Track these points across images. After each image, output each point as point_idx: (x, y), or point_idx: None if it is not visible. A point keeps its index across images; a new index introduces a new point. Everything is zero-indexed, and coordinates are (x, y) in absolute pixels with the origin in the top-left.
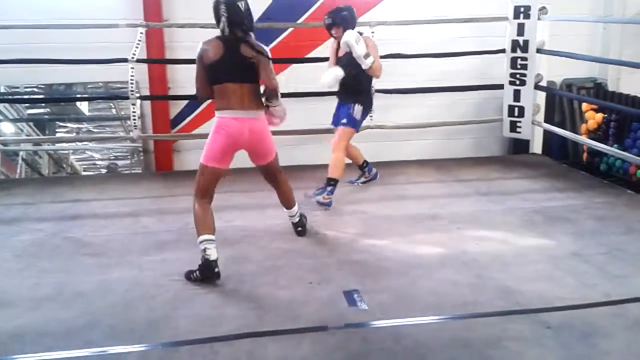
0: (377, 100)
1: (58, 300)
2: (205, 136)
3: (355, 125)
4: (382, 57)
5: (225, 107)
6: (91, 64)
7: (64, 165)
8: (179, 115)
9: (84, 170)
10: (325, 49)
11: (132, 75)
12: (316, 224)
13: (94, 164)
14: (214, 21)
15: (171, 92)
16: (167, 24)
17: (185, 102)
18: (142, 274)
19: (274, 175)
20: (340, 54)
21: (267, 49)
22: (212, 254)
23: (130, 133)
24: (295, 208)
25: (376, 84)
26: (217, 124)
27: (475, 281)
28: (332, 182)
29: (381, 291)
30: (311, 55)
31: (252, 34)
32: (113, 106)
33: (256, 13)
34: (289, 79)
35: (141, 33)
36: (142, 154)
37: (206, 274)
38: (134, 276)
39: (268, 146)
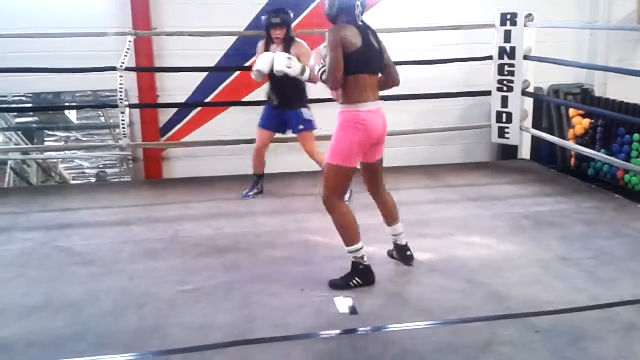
0: None
1: (47, 310)
2: (194, 144)
3: (312, 126)
4: None
5: (361, 100)
6: (80, 72)
7: (53, 174)
8: (168, 123)
9: (73, 179)
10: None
11: (120, 84)
12: (306, 230)
13: (83, 173)
14: (201, 29)
15: (160, 100)
16: (155, 32)
17: (174, 110)
18: (132, 282)
19: (379, 173)
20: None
21: None
22: (366, 258)
23: (119, 141)
24: (401, 225)
25: None
26: (353, 118)
27: (464, 286)
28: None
29: (371, 297)
30: None
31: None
32: (102, 114)
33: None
34: None
35: (130, 41)
36: (131, 162)
37: (369, 279)
38: (124, 285)
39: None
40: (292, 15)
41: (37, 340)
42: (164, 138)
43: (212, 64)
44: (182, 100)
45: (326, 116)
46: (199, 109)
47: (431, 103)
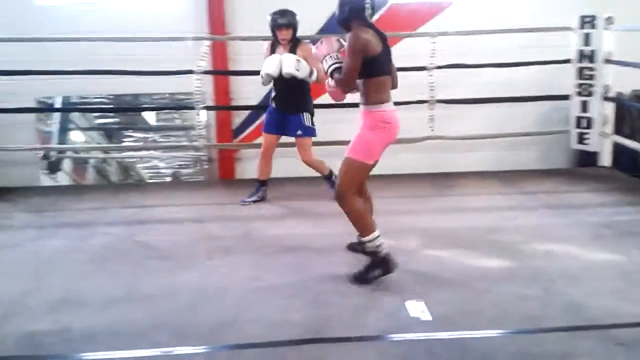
0: (438, 110)
1: (128, 302)
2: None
3: (312, 133)
4: (444, 67)
5: (385, 101)
6: (159, 75)
7: (131, 173)
8: (241, 126)
9: (150, 178)
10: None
11: (197, 86)
12: None
13: (159, 172)
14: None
15: (234, 103)
16: (230, 37)
17: (247, 112)
18: (207, 278)
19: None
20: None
21: None
22: (385, 247)
23: (195, 142)
24: (364, 239)
25: (438, 94)
26: (381, 118)
27: (542, 295)
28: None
29: (445, 303)
30: None
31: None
32: (178, 116)
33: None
34: None
35: (207, 46)
36: (205, 162)
37: (390, 268)
38: (200, 280)
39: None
40: (298, 17)
41: (119, 330)
42: (237, 139)
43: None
44: (255, 103)
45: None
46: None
47: (505, 107)
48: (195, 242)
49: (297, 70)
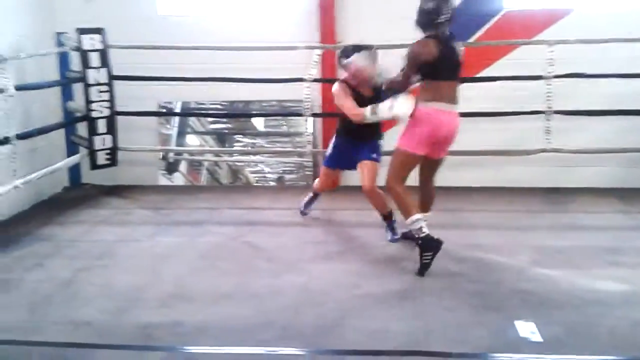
0: (554, 122)
1: (235, 299)
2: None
3: (381, 160)
4: (562, 76)
5: (434, 100)
6: (270, 82)
7: (240, 176)
8: None
9: (256, 182)
10: (501, 67)
11: (307, 94)
12: (482, 247)
13: (264, 177)
14: (382, 43)
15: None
16: (340, 45)
17: None
18: (311, 281)
19: (435, 170)
20: (367, 93)
21: None
22: (427, 229)
23: (302, 148)
24: (407, 221)
25: (555, 104)
26: (423, 113)
27: None
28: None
29: (556, 325)
30: (482, 74)
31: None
32: (284, 123)
33: None
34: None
35: (317, 55)
36: (310, 168)
37: (434, 247)
38: (304, 283)
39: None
40: None
41: (227, 326)
42: None
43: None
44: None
45: None
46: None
47: (627, 120)
48: (300, 245)
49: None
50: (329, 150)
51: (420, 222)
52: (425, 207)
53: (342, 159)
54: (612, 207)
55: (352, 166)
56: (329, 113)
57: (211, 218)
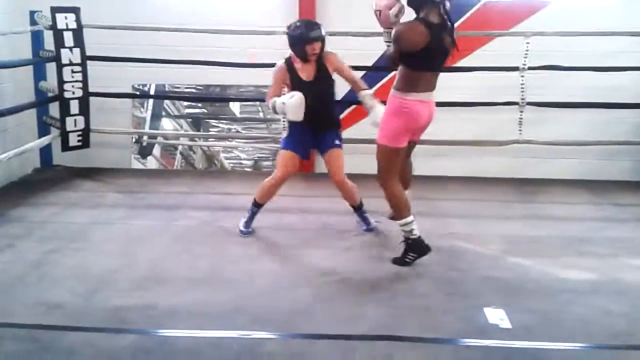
0: (528, 113)
1: (209, 284)
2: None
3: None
4: (537, 68)
5: (413, 91)
6: (246, 67)
7: (215, 162)
8: None
9: (231, 168)
10: (478, 58)
11: None
12: (455, 236)
13: (240, 163)
14: (363, 30)
15: None
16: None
17: None
18: (285, 267)
19: (411, 150)
20: (305, 77)
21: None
22: (418, 232)
23: (277, 135)
24: (401, 222)
25: (529, 96)
26: (399, 104)
27: (630, 311)
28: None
29: (525, 312)
30: (459, 64)
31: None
32: (261, 109)
33: None
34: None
35: None
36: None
37: (423, 251)
38: (277, 268)
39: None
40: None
41: (200, 310)
42: None
43: (370, 64)
44: (338, 99)
45: None
46: (354, 107)
47: (600, 113)
48: (274, 231)
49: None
50: (286, 134)
51: (413, 224)
52: (405, 184)
53: (299, 146)
54: (582, 199)
55: (306, 156)
56: None
57: (185, 202)
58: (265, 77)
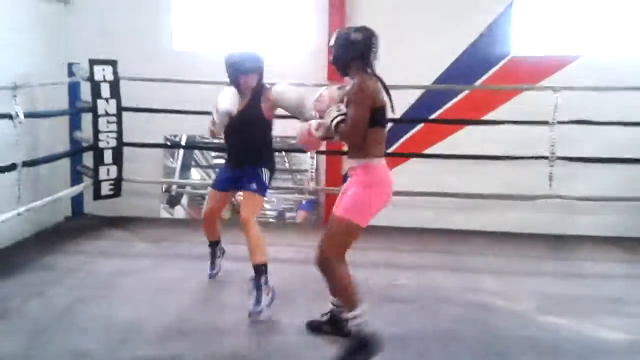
0: (559, 168)
1: (235, 335)
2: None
3: (264, 193)
4: (567, 123)
5: (381, 155)
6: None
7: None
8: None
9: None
10: (504, 111)
11: None
12: (485, 292)
13: (264, 214)
14: (394, 82)
15: (345, 149)
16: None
17: None
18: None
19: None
20: (239, 106)
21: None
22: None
23: (303, 185)
24: (350, 313)
25: (558, 150)
26: (378, 174)
27: None
28: (264, 268)
29: None
30: (487, 117)
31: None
32: (286, 160)
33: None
34: (463, 140)
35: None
36: (316, 205)
37: (377, 349)
38: (302, 322)
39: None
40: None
41: None
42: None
43: (397, 117)
44: None
45: None
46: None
47: (634, 169)
48: (301, 283)
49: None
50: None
51: (364, 316)
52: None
53: (224, 181)
54: (615, 256)
55: (235, 188)
56: (331, 151)
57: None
58: (290, 128)
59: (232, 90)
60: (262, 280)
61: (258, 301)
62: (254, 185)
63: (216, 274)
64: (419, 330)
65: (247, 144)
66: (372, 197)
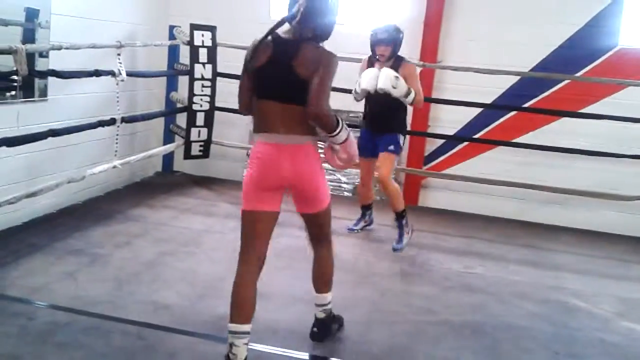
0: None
1: (308, 304)
2: (456, 177)
3: (399, 153)
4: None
5: (259, 130)
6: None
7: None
8: (433, 153)
9: (331, 191)
10: (605, 105)
11: None
12: (566, 291)
13: (340, 186)
14: (485, 66)
15: (430, 130)
16: (440, 65)
17: (442, 141)
18: (383, 299)
19: (319, 233)
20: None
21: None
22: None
23: None
24: (328, 297)
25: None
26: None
27: None
28: (404, 214)
29: None
30: (585, 110)
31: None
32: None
33: None
34: (555, 132)
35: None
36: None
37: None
38: (375, 299)
39: (317, 188)
40: (401, 34)
41: (298, 329)
42: (427, 167)
43: (489, 102)
44: (451, 133)
45: None
46: (466, 143)
47: None
48: (374, 260)
49: (394, 87)
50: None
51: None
52: (316, 281)
53: (365, 148)
54: None
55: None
56: (418, 132)
57: (290, 220)
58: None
59: (374, 70)
60: (404, 221)
61: (400, 239)
62: (391, 147)
63: (355, 230)
64: (491, 322)
65: (386, 112)
66: (245, 177)
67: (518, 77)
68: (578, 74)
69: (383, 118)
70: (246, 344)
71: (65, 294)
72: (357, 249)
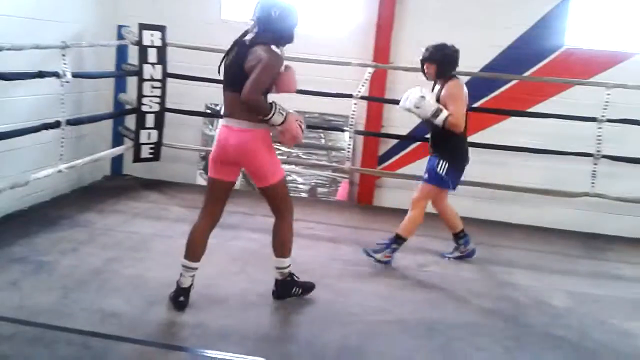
0: (602, 166)
1: (261, 308)
2: (410, 177)
3: (440, 183)
4: (616, 121)
5: (223, 115)
6: (321, 96)
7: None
8: (387, 154)
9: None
10: (552, 104)
11: (353, 110)
12: (516, 287)
13: (296, 187)
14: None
15: (384, 130)
16: (393, 66)
17: (395, 141)
18: (337, 299)
19: (273, 206)
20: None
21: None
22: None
23: (344, 164)
24: (287, 261)
25: (605, 149)
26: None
27: None
28: (399, 241)
29: None
30: (533, 109)
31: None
32: (322, 137)
33: None
34: (505, 131)
35: (369, 72)
36: (340, 183)
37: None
38: (329, 300)
39: (259, 166)
40: (447, 52)
41: (250, 334)
42: (381, 167)
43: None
44: (404, 133)
45: None
46: (418, 143)
47: None
48: (329, 261)
49: (417, 107)
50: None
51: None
52: (276, 247)
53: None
54: None
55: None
56: (372, 132)
57: (244, 223)
58: (330, 106)
59: (411, 89)
60: (392, 245)
61: (377, 252)
62: (425, 175)
63: (448, 258)
64: (445, 320)
65: (432, 134)
66: (272, 153)
67: (468, 78)
68: (526, 74)
69: (431, 140)
70: (192, 276)
71: (9, 304)
72: (312, 250)
